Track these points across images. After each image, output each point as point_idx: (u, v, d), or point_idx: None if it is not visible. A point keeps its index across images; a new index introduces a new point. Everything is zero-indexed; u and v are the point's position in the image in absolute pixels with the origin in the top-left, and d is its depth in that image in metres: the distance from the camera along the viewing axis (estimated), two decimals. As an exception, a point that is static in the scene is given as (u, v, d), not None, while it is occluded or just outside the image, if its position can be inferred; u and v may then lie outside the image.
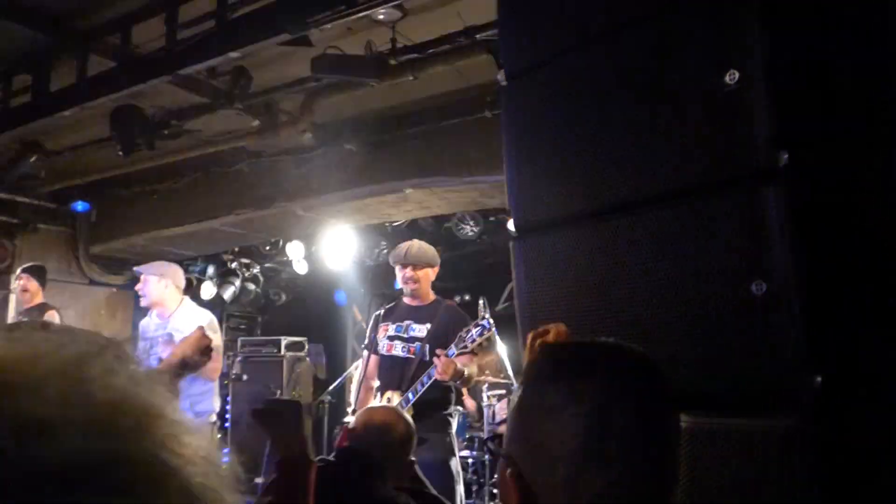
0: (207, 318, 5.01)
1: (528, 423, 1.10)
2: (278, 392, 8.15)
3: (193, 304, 5.29)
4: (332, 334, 10.08)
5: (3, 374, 0.34)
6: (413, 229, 7.91)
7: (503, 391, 6.46)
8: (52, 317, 5.79)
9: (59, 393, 0.34)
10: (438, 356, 3.95)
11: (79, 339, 0.40)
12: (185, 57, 3.96)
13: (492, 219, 7.38)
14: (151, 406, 0.37)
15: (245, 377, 8.18)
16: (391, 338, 4.42)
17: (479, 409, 6.53)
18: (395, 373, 4.33)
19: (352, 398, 4.65)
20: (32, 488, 0.30)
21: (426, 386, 4.06)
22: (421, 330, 4.35)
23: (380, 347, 4.45)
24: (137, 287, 5.09)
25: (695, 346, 1.56)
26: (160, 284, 5.03)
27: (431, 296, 4.55)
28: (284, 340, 8.55)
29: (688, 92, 1.60)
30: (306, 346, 8.87)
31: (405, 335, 4.39)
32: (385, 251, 8.47)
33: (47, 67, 4.65)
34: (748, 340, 1.47)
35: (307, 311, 10.33)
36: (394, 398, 4.23)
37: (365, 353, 4.65)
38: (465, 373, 4.05)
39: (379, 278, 8.97)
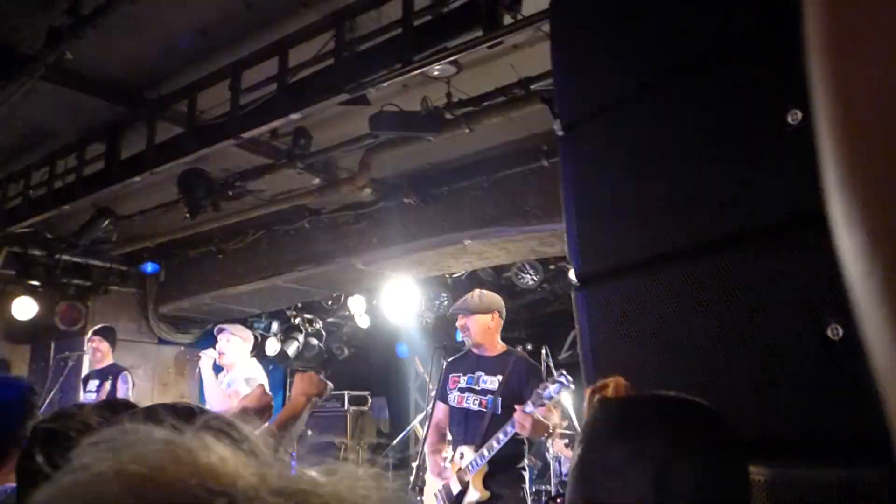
0: (257, 373, 5.18)
1: (589, 481, 1.07)
2: (343, 447, 8.15)
3: (255, 362, 5.43)
4: (395, 387, 10.08)
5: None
6: (473, 280, 7.91)
7: (567, 441, 6.34)
8: (127, 379, 5.98)
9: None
10: (517, 414, 3.87)
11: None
12: (249, 120, 4.09)
13: (552, 267, 7.34)
14: None
15: (310, 432, 8.21)
16: (462, 390, 4.33)
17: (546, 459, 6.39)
18: (467, 426, 4.24)
19: (425, 447, 4.58)
20: None
21: (503, 444, 3.97)
22: (493, 382, 4.24)
23: (450, 399, 4.38)
24: (219, 346, 5.22)
25: (770, 393, 1.51)
26: (244, 346, 5.24)
27: (500, 346, 4.43)
28: (348, 394, 8.58)
29: (750, 133, 1.57)
30: (369, 400, 8.88)
31: (477, 387, 4.29)
32: (445, 303, 8.48)
33: (119, 136, 4.86)
34: (827, 387, 1.41)
35: (369, 365, 10.37)
36: (467, 453, 4.15)
37: (438, 403, 4.60)
38: (550, 425, 3.96)
39: (440, 330, 8.96)
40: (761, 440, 1.52)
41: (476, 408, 4.24)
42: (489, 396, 4.20)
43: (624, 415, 1.15)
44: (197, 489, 0.43)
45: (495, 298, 4.50)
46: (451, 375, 4.43)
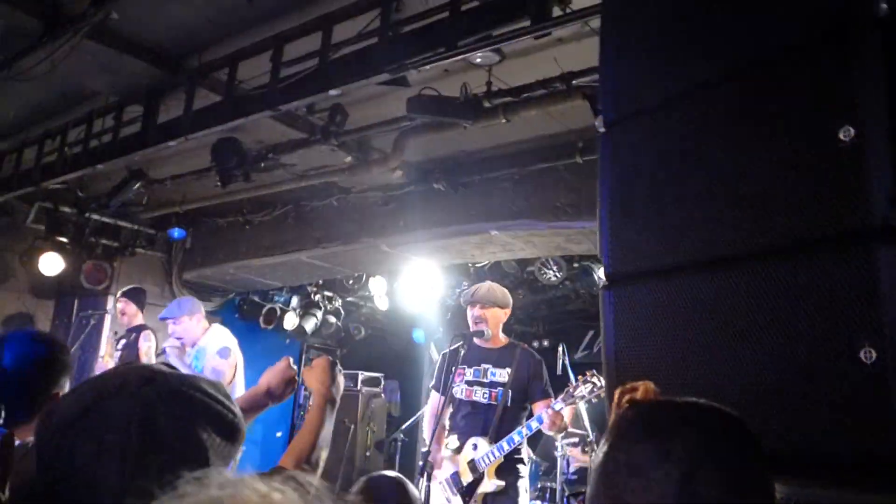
0: (226, 341, 5.11)
1: (613, 481, 1.08)
2: (352, 427, 8.20)
3: (218, 327, 5.39)
4: (408, 372, 10.11)
5: None
6: (496, 271, 7.89)
7: (576, 440, 6.37)
8: (149, 338, 6.01)
9: None
10: (546, 410, 3.91)
11: None
12: (287, 93, 4.09)
13: (576, 265, 7.31)
14: None
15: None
16: (470, 383, 4.37)
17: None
18: (477, 419, 4.29)
19: (425, 436, 4.63)
20: None
21: (524, 438, 4.03)
22: (501, 375, 4.29)
23: (456, 392, 4.41)
24: (171, 332, 5.21)
25: (796, 410, 1.48)
26: (192, 321, 5.20)
27: (504, 338, 4.51)
28: (361, 375, 8.62)
29: (799, 144, 1.54)
30: (382, 383, 8.91)
31: (485, 380, 4.33)
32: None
33: (157, 99, 4.88)
34: (855, 410, 1.39)
35: (385, 347, 10.40)
36: (481, 444, 4.19)
37: (434, 393, 4.61)
38: (567, 423, 4.02)
39: (458, 318, 8.97)
40: (782, 456, 1.50)
41: (486, 401, 4.29)
42: (499, 389, 4.26)
43: (652, 416, 1.15)
44: None
45: (508, 293, 4.62)
46: (456, 368, 4.44)
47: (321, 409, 1.84)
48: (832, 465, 1.44)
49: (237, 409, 1.21)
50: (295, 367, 2.09)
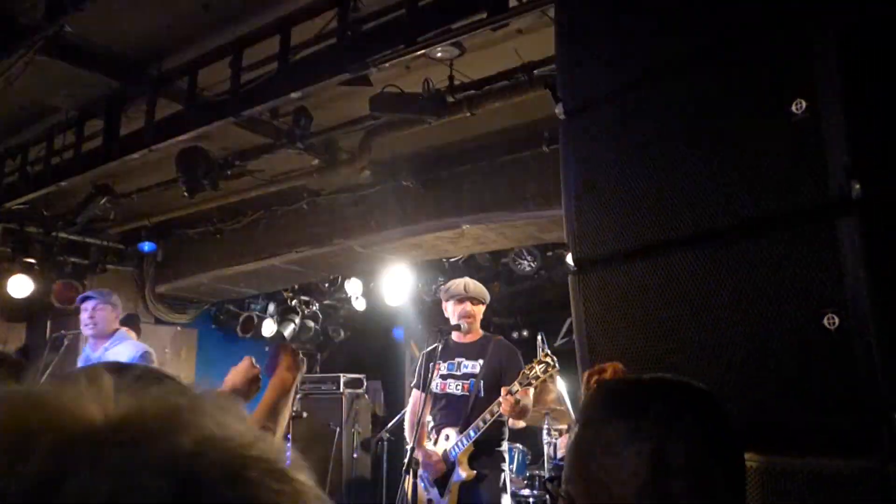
0: (140, 350, 4.88)
1: (586, 461, 1.09)
2: (337, 429, 8.18)
3: (124, 333, 5.09)
4: (390, 371, 10.10)
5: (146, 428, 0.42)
6: (470, 265, 7.90)
7: (564, 427, 6.41)
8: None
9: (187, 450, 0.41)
10: (503, 395, 3.95)
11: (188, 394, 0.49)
12: (249, 98, 4.06)
13: (549, 253, 7.34)
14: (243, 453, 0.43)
15: (305, 414, 8.22)
16: (444, 377, 4.44)
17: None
18: (451, 410, 4.36)
19: (406, 435, 4.68)
20: None
21: (488, 424, 4.06)
22: (474, 366, 4.36)
23: (433, 386, 4.44)
24: (85, 315, 4.85)
25: (765, 382, 1.51)
26: (113, 314, 4.92)
27: (480, 332, 4.58)
28: (343, 377, 8.60)
29: (754, 122, 1.57)
30: (365, 383, 8.90)
31: (458, 372, 4.40)
32: (442, 287, 8.47)
33: (118, 112, 4.82)
34: (821, 377, 1.41)
35: (365, 348, 10.37)
36: (451, 435, 4.23)
37: (414, 391, 4.66)
38: (523, 403, 4.06)
39: (437, 314, 8.96)
40: (754, 426, 1.52)
41: (459, 392, 4.36)
42: (471, 380, 4.31)
43: (621, 395, 1.17)
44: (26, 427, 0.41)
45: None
46: (433, 364, 4.46)
47: (286, 392, 1.82)
48: (799, 433, 1.47)
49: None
50: (258, 367, 2.09)
